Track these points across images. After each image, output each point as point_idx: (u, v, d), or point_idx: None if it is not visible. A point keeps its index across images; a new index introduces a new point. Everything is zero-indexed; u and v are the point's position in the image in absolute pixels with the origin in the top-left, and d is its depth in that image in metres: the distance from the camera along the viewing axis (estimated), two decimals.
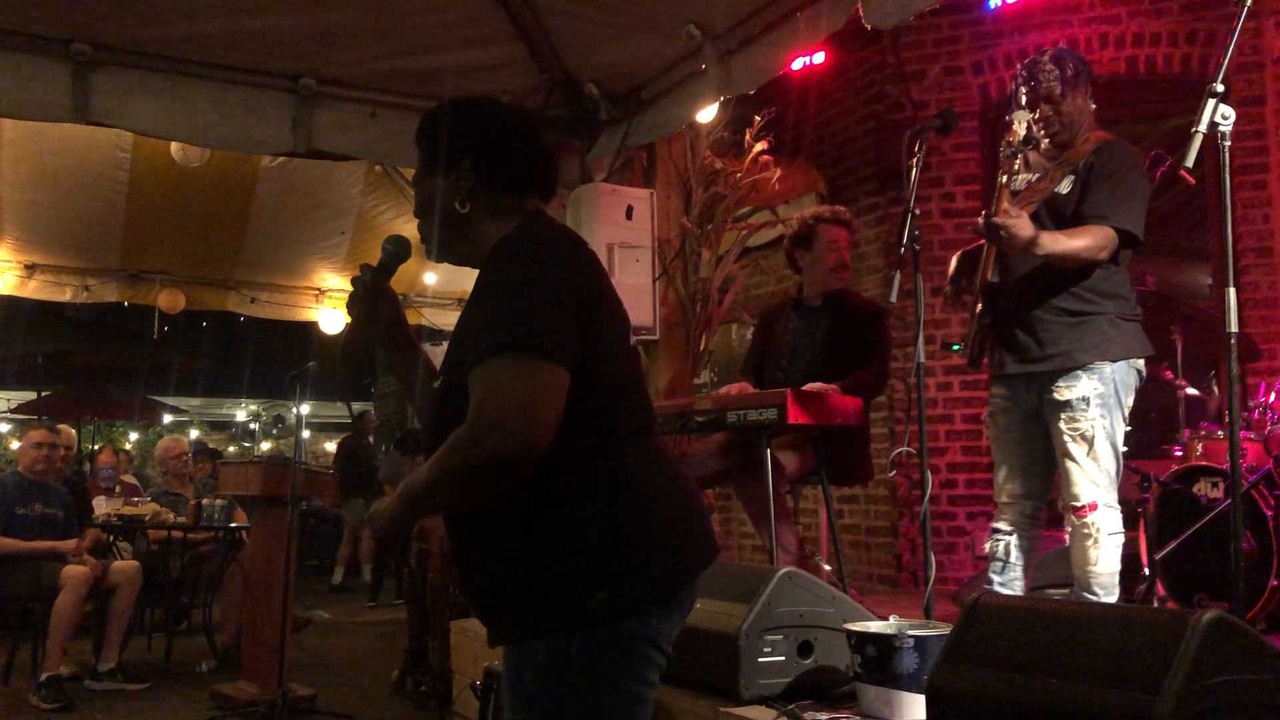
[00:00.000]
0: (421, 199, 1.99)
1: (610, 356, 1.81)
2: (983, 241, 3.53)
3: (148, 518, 6.59)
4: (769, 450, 3.90)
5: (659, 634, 1.79)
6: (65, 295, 8.38)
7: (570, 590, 1.73)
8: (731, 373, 6.17)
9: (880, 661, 2.72)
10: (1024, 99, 3.39)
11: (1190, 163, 2.51)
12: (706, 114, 5.07)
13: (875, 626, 2.91)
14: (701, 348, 5.48)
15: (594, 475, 1.76)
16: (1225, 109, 2.51)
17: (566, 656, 1.73)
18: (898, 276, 3.38)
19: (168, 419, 19.64)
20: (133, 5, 4.44)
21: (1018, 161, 3.33)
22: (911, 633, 2.74)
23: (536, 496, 1.73)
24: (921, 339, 3.37)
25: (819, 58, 6.29)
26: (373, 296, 2.08)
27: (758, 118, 5.47)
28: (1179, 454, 4.41)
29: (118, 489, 8.08)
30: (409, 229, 2.09)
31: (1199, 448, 4.30)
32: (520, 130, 1.99)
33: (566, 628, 1.73)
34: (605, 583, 1.73)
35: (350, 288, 2.11)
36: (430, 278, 9.04)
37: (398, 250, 2.10)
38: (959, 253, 3.66)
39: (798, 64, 5.86)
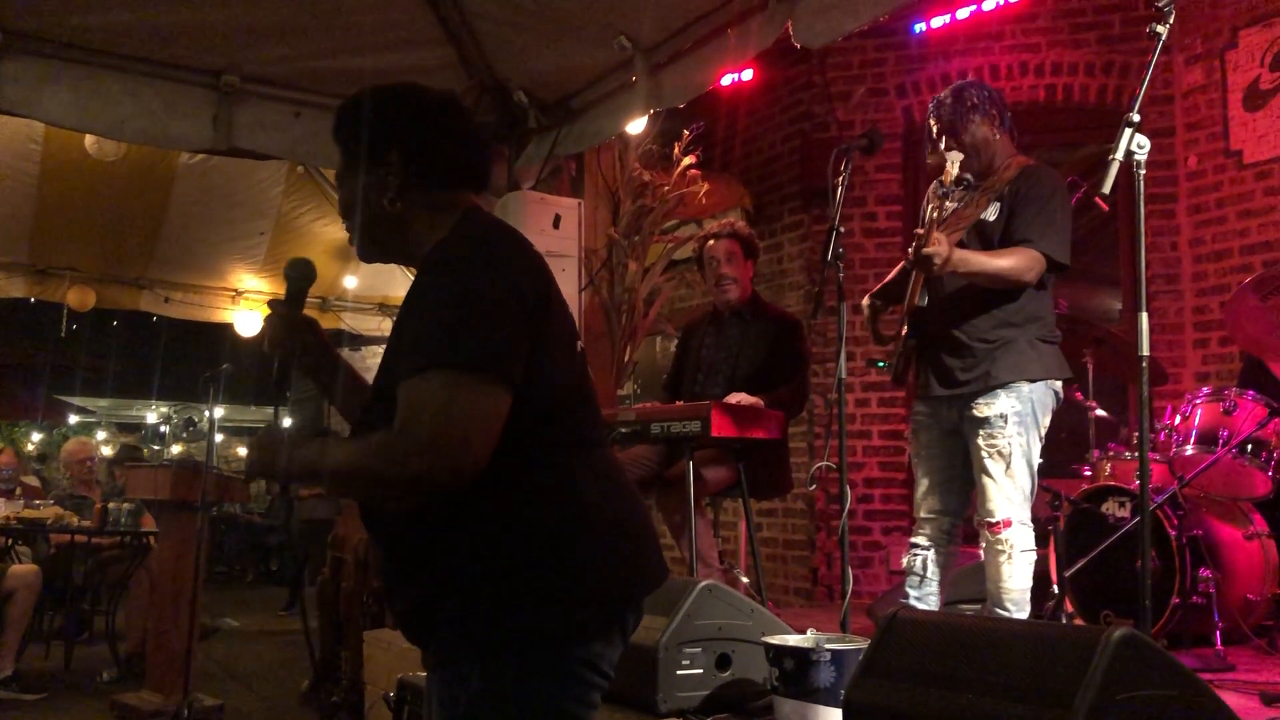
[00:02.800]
0: (346, 198, 1.84)
1: (558, 365, 1.72)
2: (891, 278, 3.63)
3: (49, 521, 6.38)
4: (691, 463, 3.91)
5: (599, 658, 1.71)
6: None
7: (507, 613, 1.64)
8: (655, 384, 6.18)
9: (798, 675, 2.73)
10: (934, 134, 3.48)
11: (1107, 189, 2.58)
12: (636, 126, 5.09)
13: (793, 640, 2.92)
14: (626, 359, 5.48)
15: (537, 492, 1.67)
16: (1141, 138, 2.58)
17: (502, 681, 1.64)
18: (821, 293, 3.42)
19: (74, 419, 19.07)
20: None
21: (949, 201, 3.41)
22: (829, 646, 2.76)
23: (476, 513, 1.65)
24: (843, 355, 3.40)
25: (748, 75, 6.34)
26: (293, 331, 1.95)
27: (686, 132, 5.51)
28: (1088, 474, 4.51)
29: (17, 491, 7.80)
30: (331, 231, 2.02)
31: (1108, 468, 4.41)
32: (450, 117, 1.85)
33: (502, 651, 1.64)
34: (543, 606, 1.65)
35: (268, 314, 2.00)
36: (350, 281, 8.91)
37: (302, 274, 1.98)
38: (869, 296, 3.72)
39: (727, 80, 5.91)
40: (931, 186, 3.43)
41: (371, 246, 1.86)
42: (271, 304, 1.98)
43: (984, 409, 3.30)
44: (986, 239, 3.38)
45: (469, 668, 1.66)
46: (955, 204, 3.52)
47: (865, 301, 3.73)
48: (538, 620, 1.64)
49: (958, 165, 3.33)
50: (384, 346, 1.86)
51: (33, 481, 8.61)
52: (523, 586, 1.64)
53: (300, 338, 1.95)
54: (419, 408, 1.57)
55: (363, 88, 1.88)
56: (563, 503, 1.69)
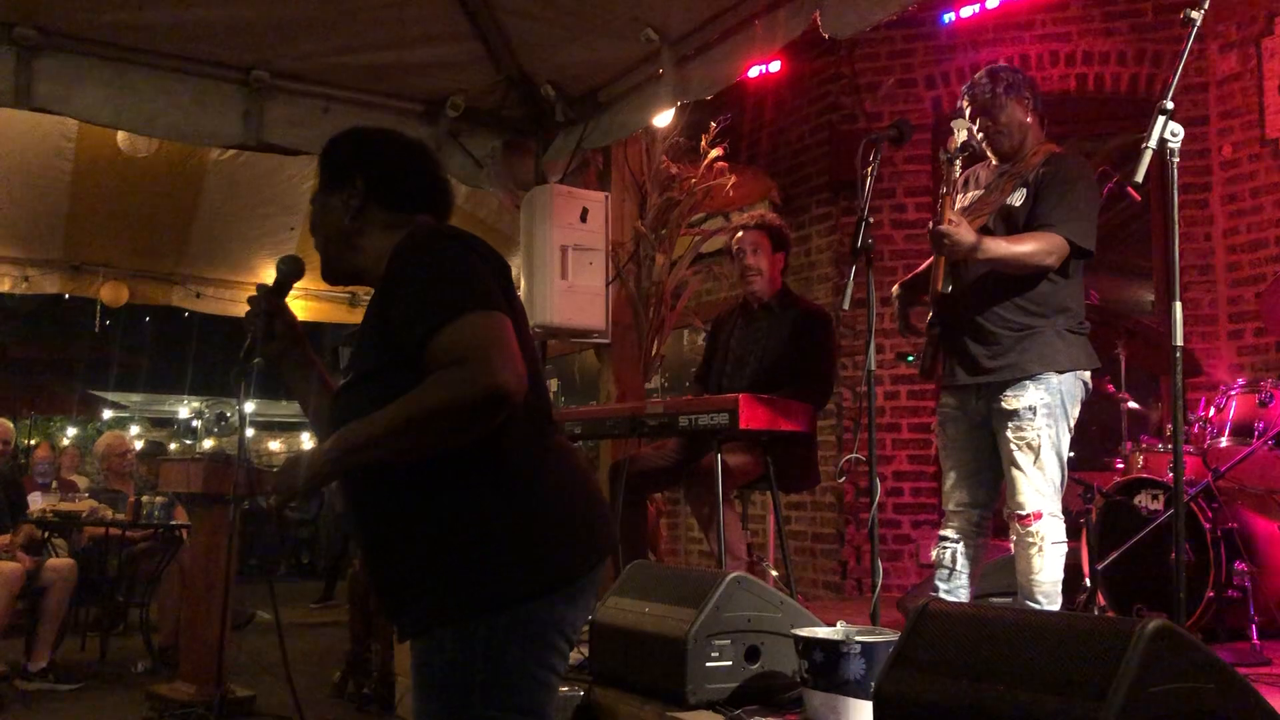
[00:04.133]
0: (315, 217, 2.08)
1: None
2: (921, 270, 3.62)
3: (84, 514, 6.46)
4: (719, 455, 3.91)
5: (564, 620, 1.84)
6: (4, 286, 8.15)
7: (475, 576, 1.78)
8: (682, 378, 6.19)
9: (827, 667, 2.73)
10: (967, 114, 3.48)
11: (1140, 178, 2.55)
12: (663, 119, 5.08)
13: (823, 632, 2.91)
14: (653, 352, 5.47)
15: (497, 467, 1.80)
16: (1175, 126, 2.55)
17: (474, 643, 1.77)
18: (850, 284, 3.41)
19: (108, 414, 19.26)
20: None
21: (956, 168, 3.40)
22: (859, 639, 2.75)
23: (436, 485, 1.79)
24: (873, 347, 3.39)
25: (775, 66, 6.32)
26: (268, 315, 2.14)
27: (714, 124, 5.49)
28: (1120, 466, 4.47)
29: (54, 484, 7.90)
30: None
31: (1140, 460, 4.38)
32: (415, 155, 2.08)
33: (473, 614, 1.77)
34: (509, 567, 1.78)
35: (252, 294, 2.19)
36: None
37: (290, 269, 2.19)
38: (898, 285, 3.72)
39: (754, 72, 5.90)
40: (939, 155, 3.43)
41: (327, 263, 2.07)
42: (258, 288, 2.19)
43: (1012, 401, 3.28)
44: (1012, 224, 3.36)
45: (443, 634, 1.80)
46: (979, 189, 3.51)
47: (895, 290, 3.72)
48: (505, 583, 1.78)
49: (963, 132, 3.34)
50: None
51: (81, 481, 8.69)
52: (490, 554, 1.79)
53: (274, 324, 2.14)
54: (467, 342, 1.73)
55: (349, 128, 2.15)
56: (521, 477, 1.83)
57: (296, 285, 2.27)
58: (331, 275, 2.08)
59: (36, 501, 6.89)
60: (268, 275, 8.93)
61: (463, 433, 1.75)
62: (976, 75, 3.51)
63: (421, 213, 2.02)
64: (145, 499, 6.47)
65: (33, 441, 12.15)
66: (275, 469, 1.92)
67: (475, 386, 1.70)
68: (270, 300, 2.15)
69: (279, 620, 2.65)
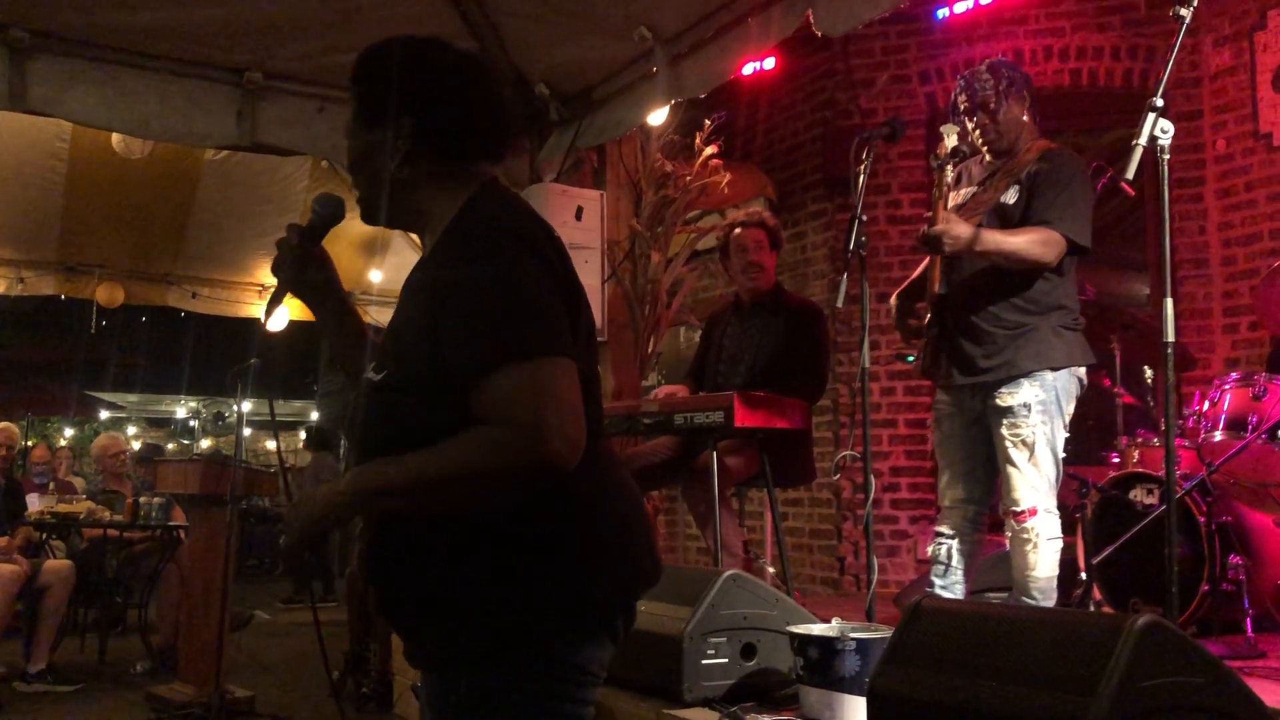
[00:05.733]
0: (354, 154, 1.76)
1: (581, 354, 1.64)
2: (916, 276, 3.63)
3: (82, 515, 6.46)
4: (715, 453, 3.91)
5: (590, 660, 1.64)
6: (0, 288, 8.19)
7: (495, 621, 1.58)
8: (679, 376, 6.18)
9: (822, 664, 2.74)
10: (962, 109, 3.47)
11: (1130, 174, 2.56)
12: (657, 117, 5.09)
13: (818, 629, 2.92)
14: (649, 350, 5.49)
15: (537, 490, 1.57)
16: (1165, 123, 2.56)
17: (488, 688, 1.59)
18: (844, 281, 3.41)
19: (104, 415, 19.27)
20: None
21: (948, 172, 3.40)
22: (853, 635, 2.76)
23: (466, 515, 1.59)
24: (867, 344, 3.39)
25: (769, 63, 6.28)
26: (300, 262, 1.84)
27: (708, 121, 5.49)
28: (1116, 461, 4.48)
29: (51, 486, 7.91)
30: (355, 225, 1.90)
31: (1135, 455, 4.38)
32: (473, 85, 1.75)
33: (488, 659, 1.59)
34: (531, 615, 1.58)
35: (282, 238, 1.87)
36: (376, 275, 8.94)
37: (328, 211, 1.86)
38: (896, 295, 3.72)
39: (748, 69, 5.90)
40: (930, 160, 3.44)
41: (374, 211, 1.76)
42: (289, 228, 1.87)
43: (1007, 398, 3.28)
44: (1006, 222, 3.37)
45: (456, 674, 1.62)
46: (973, 186, 3.51)
47: (893, 301, 3.72)
48: (526, 629, 1.58)
49: (953, 137, 3.34)
50: None
51: (78, 483, 8.69)
52: (511, 593, 1.58)
53: (308, 273, 1.87)
54: (521, 399, 1.51)
55: (387, 38, 1.79)
56: (560, 503, 1.60)
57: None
58: (373, 219, 1.78)
59: (34, 503, 6.90)
60: (263, 275, 8.96)
61: (498, 500, 1.57)
62: (976, 69, 3.49)
63: (481, 160, 1.75)
64: (143, 500, 6.48)
65: (30, 443, 12.16)
66: (290, 509, 1.70)
67: (521, 457, 1.50)
68: (303, 245, 1.84)
69: (318, 619, 2.62)
